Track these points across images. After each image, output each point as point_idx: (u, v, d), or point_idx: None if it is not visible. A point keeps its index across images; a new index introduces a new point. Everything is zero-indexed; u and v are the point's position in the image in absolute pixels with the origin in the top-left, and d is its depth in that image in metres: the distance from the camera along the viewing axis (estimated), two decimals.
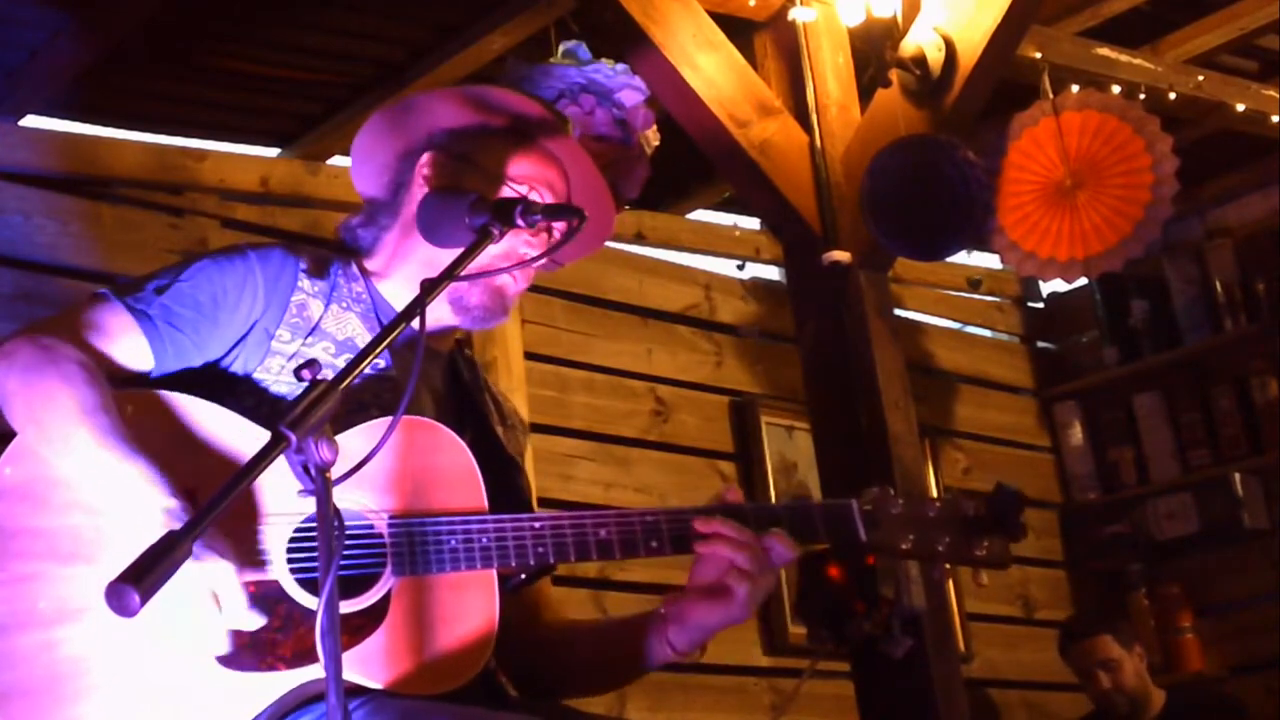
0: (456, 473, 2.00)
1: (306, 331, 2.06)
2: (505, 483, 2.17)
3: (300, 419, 1.57)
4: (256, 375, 2.03)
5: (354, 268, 2.18)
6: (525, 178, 2.15)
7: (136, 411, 1.91)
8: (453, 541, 1.94)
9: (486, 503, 2.00)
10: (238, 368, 2.04)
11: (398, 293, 2.16)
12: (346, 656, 1.84)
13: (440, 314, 2.15)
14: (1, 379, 1.91)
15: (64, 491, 1.88)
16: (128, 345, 1.99)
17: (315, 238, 4.10)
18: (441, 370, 2.23)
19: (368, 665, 1.88)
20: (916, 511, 2.09)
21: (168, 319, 2.00)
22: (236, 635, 1.81)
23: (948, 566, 2.15)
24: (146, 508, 1.80)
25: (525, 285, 2.20)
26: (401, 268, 2.17)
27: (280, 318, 2.05)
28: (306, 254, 2.14)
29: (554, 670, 2.19)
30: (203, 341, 2.02)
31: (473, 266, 1.92)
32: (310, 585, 1.88)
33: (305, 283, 2.09)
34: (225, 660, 1.84)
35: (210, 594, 1.76)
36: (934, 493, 4.88)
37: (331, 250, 2.22)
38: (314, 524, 1.64)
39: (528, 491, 2.27)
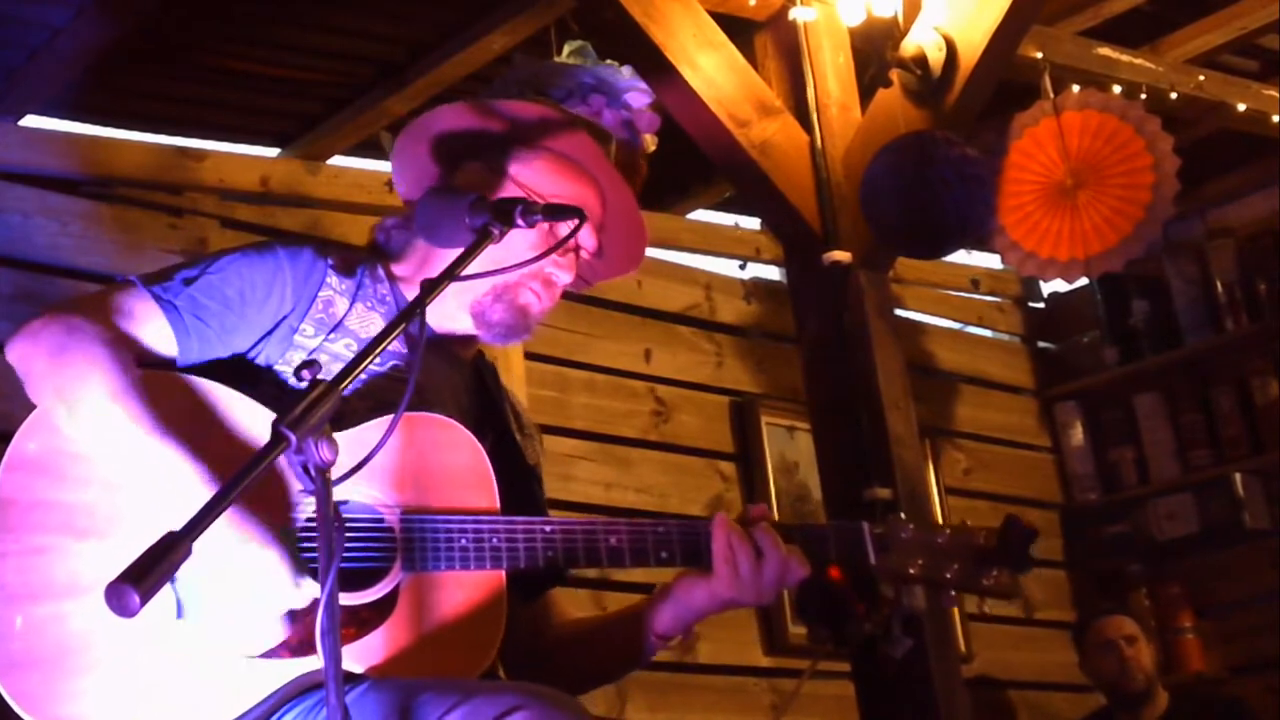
0: (471, 472, 2.01)
1: (330, 328, 2.07)
2: (522, 490, 2.19)
3: (300, 419, 1.57)
4: (278, 368, 2.05)
5: (380, 270, 2.18)
6: (559, 197, 2.14)
7: (165, 393, 1.92)
8: (463, 540, 1.95)
9: (499, 504, 2.00)
10: (261, 360, 2.05)
11: None
12: (351, 648, 1.86)
13: (464, 324, 2.16)
14: (29, 357, 1.93)
15: (82, 466, 1.90)
16: (153, 333, 2.00)
17: (316, 238, 4.10)
18: (465, 377, 2.24)
19: (371, 658, 1.89)
20: (926, 538, 2.11)
21: (194, 310, 2.01)
22: (291, 617, 1.83)
23: (954, 594, 2.15)
24: (176, 488, 1.81)
25: (550, 304, 2.19)
26: (428, 275, 2.17)
27: (305, 313, 2.06)
28: (335, 253, 2.15)
29: (554, 672, 2.19)
30: (228, 334, 2.02)
31: (482, 267, 1.92)
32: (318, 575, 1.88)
33: (333, 279, 2.10)
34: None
35: (261, 581, 1.79)
36: (937, 505, 4.89)
37: (364, 252, 2.22)
38: None
39: (544, 500, 2.29)
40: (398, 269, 2.20)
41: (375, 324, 2.11)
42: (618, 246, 2.28)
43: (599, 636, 2.24)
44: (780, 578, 2.03)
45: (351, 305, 2.10)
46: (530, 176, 2.17)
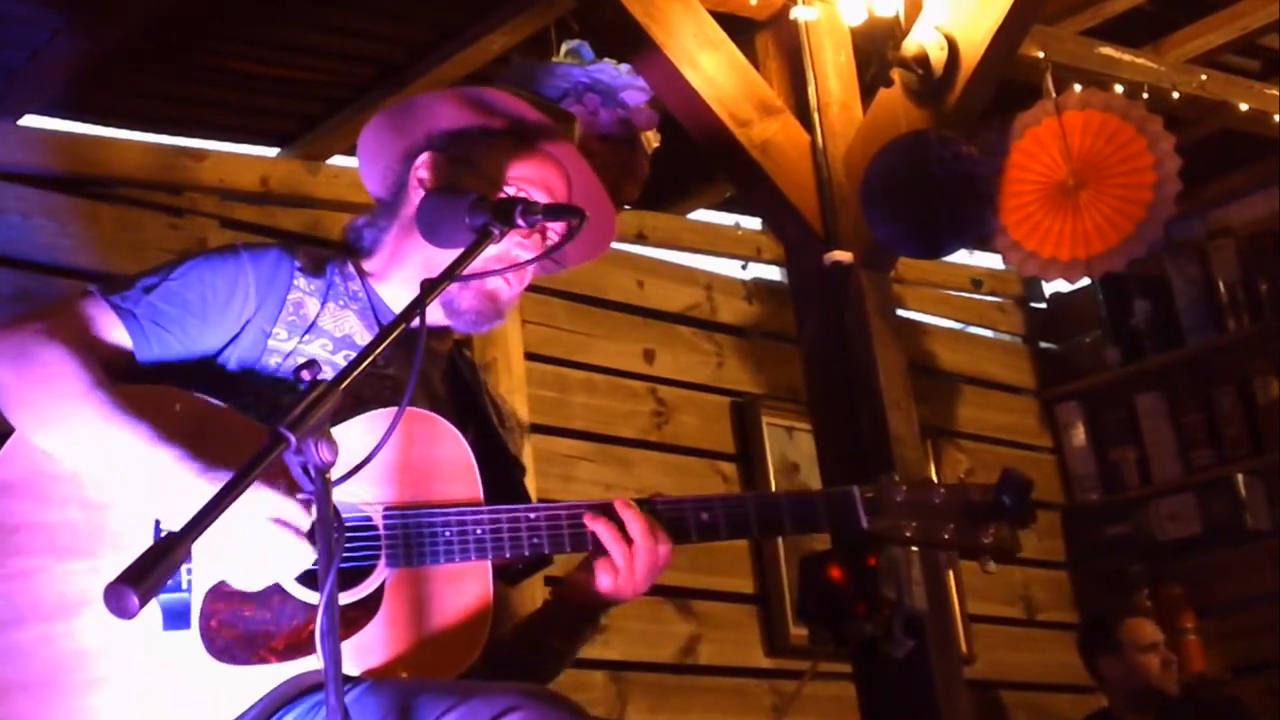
0: (453, 464, 2.00)
1: (304, 329, 2.06)
2: (508, 481, 2.18)
3: (300, 420, 1.56)
4: (255, 371, 2.03)
5: (350, 267, 2.17)
6: (523, 180, 2.14)
7: (139, 395, 1.91)
8: (447, 533, 1.95)
9: (482, 494, 2.00)
10: (234, 365, 2.04)
11: (395, 293, 2.16)
12: (342, 648, 1.84)
13: (435, 315, 2.14)
14: None
15: (62, 486, 1.89)
16: (113, 340, 1.99)
17: (315, 238, 4.09)
18: (441, 372, 2.23)
19: (363, 657, 1.89)
20: (920, 498, 2.06)
21: (153, 317, 2.00)
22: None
23: (952, 554, 2.10)
24: (154, 473, 1.81)
25: (520, 289, 2.18)
26: (399, 269, 2.17)
27: (276, 316, 2.05)
28: (302, 253, 2.14)
29: (537, 661, 2.18)
30: (190, 339, 2.02)
31: (470, 268, 1.92)
32: (303, 577, 1.88)
33: (301, 281, 2.09)
34: (218, 653, 1.85)
35: (272, 521, 1.78)
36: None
37: (333, 250, 2.22)
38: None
39: (526, 491, 2.28)
40: (368, 265, 2.20)
41: (349, 321, 2.11)
42: (586, 229, 2.25)
43: (557, 622, 2.19)
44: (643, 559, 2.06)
45: (323, 305, 2.09)
46: (485, 161, 2.16)
